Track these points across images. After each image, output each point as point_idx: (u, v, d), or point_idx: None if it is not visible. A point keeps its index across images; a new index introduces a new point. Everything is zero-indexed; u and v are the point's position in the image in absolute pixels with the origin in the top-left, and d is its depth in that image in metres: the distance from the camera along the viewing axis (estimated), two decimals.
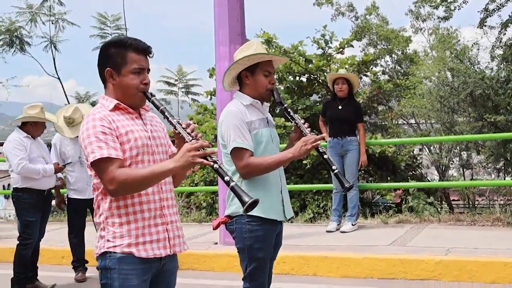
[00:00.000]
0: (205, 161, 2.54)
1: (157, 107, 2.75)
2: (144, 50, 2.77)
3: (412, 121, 15.59)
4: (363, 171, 11.11)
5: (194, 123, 9.79)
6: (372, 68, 15.24)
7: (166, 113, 2.72)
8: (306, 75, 13.25)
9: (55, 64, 24.79)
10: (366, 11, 16.83)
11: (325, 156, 3.50)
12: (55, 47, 24.42)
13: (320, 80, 12.95)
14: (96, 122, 2.62)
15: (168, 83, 45.29)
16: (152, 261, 2.69)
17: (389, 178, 11.14)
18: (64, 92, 25.46)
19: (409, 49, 16.77)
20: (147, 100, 2.81)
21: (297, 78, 13.31)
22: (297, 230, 7.75)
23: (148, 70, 2.79)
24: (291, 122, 3.66)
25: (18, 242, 6.00)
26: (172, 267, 2.86)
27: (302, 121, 3.62)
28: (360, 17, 16.71)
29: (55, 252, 7.21)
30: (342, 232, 7.41)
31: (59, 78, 24.68)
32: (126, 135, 2.67)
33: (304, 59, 12.93)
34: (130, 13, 29.44)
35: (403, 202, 9.54)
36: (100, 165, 2.56)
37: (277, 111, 12.03)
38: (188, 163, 2.53)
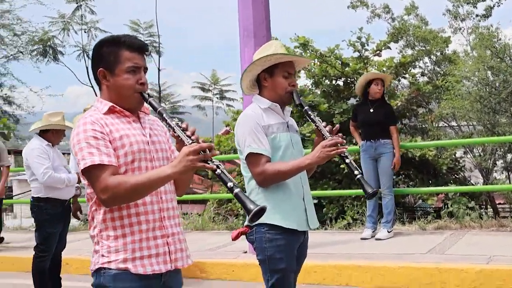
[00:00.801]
0: (206, 165, 2.32)
1: (154, 109, 2.53)
2: (139, 48, 2.56)
3: (453, 123, 15.09)
4: (403, 175, 10.79)
5: (231, 130, 9.61)
6: (410, 70, 14.82)
7: (164, 115, 2.50)
8: (343, 79, 12.96)
9: (88, 73, 25.12)
10: (404, 11, 16.44)
11: (347, 161, 3.27)
12: (87, 55, 24.71)
13: None
14: (87, 126, 2.43)
15: (203, 89, 45.43)
16: (151, 277, 2.46)
17: (430, 182, 10.79)
18: None
19: (448, 50, 16.28)
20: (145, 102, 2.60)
21: (334, 82, 13.04)
22: (330, 237, 7.49)
23: (146, 69, 2.58)
24: (313, 125, 3.45)
25: (34, 253, 5.82)
26: (175, 283, 2.63)
27: (324, 123, 3.39)
28: (397, 18, 16.31)
29: (83, 261, 7.07)
30: (377, 239, 7.12)
31: (92, 87, 24.96)
32: (120, 139, 2.47)
33: (340, 62, 12.66)
34: (162, 20, 29.51)
35: (443, 207, 9.18)
36: (91, 173, 2.37)
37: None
38: (186, 168, 2.31)
